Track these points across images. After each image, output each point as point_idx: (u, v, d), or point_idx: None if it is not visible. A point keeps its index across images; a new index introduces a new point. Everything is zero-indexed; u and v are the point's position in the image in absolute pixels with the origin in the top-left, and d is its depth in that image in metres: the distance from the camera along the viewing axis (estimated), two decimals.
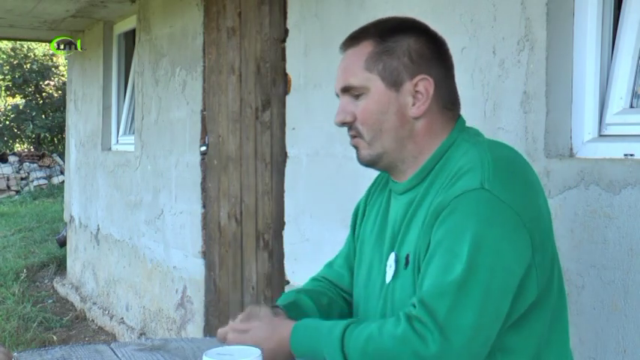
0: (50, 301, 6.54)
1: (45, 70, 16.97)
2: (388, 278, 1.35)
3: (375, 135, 1.35)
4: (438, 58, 1.37)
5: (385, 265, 1.37)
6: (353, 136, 1.39)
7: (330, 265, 1.62)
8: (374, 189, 1.54)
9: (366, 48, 1.37)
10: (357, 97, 1.37)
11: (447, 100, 1.37)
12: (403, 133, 1.35)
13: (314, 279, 1.62)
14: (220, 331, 1.42)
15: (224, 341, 1.39)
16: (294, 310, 1.46)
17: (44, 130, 16.64)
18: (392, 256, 1.35)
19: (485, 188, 1.21)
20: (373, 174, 2.68)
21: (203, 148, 4.21)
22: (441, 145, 1.35)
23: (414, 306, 1.20)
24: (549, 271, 1.29)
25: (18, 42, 15.83)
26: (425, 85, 1.33)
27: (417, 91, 1.34)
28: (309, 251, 3.09)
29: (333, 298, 1.56)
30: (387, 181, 1.47)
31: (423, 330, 1.17)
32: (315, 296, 1.53)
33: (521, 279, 1.21)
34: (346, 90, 1.39)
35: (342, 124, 1.39)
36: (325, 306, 1.52)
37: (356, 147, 1.40)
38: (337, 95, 1.42)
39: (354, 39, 1.40)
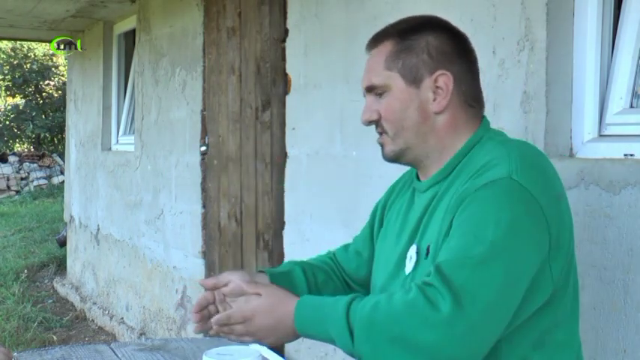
0: (50, 301, 6.53)
1: (45, 70, 16.97)
2: (408, 270, 1.35)
3: (397, 131, 1.38)
4: (458, 54, 1.39)
5: (404, 259, 1.38)
6: (380, 133, 1.42)
7: (345, 247, 1.66)
8: (398, 187, 1.56)
9: (386, 47, 1.39)
10: (380, 95, 1.39)
11: (470, 96, 1.39)
12: (425, 129, 1.37)
13: (326, 254, 1.67)
14: (215, 319, 1.35)
15: (217, 331, 1.35)
16: (283, 281, 1.48)
17: (44, 130, 16.64)
18: (413, 248, 1.36)
19: (513, 178, 1.22)
20: (373, 173, 2.68)
21: (203, 148, 4.21)
22: (466, 142, 1.37)
23: (429, 275, 1.18)
24: (565, 272, 1.28)
25: (18, 42, 15.83)
26: (444, 80, 1.35)
27: (437, 87, 1.36)
28: (309, 251, 3.09)
29: (332, 277, 1.60)
30: (412, 180, 1.49)
31: (435, 295, 1.13)
32: (310, 271, 1.57)
33: (541, 268, 1.21)
34: (370, 89, 1.41)
35: (369, 122, 1.42)
36: (320, 283, 1.56)
37: (381, 144, 1.42)
38: (364, 95, 1.45)
39: (375, 40, 1.43)
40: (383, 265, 1.47)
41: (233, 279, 1.40)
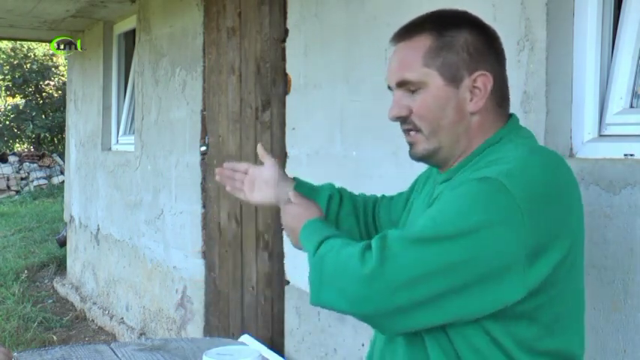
0: (50, 301, 6.53)
1: (45, 70, 16.98)
2: None
3: (432, 129, 1.33)
4: (492, 52, 1.35)
5: None
6: (408, 130, 1.37)
7: (390, 198, 1.72)
8: (432, 174, 1.52)
9: (423, 42, 1.32)
10: (412, 91, 1.34)
11: (500, 96, 1.36)
12: (460, 129, 1.33)
13: (378, 196, 1.76)
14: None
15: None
16: (305, 192, 1.63)
17: (44, 130, 16.64)
18: None
19: (499, 179, 1.18)
20: (373, 173, 2.68)
21: (203, 148, 4.21)
22: (485, 141, 1.34)
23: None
24: (560, 280, 1.23)
25: (18, 42, 15.84)
26: (483, 80, 1.31)
27: (474, 87, 1.31)
28: None
29: (357, 215, 1.69)
30: (435, 174, 1.47)
31: (368, 255, 1.19)
32: (336, 200, 1.68)
33: (499, 273, 1.16)
34: (402, 84, 1.34)
35: (397, 118, 1.37)
36: (342, 214, 1.67)
37: (411, 143, 1.38)
38: (390, 88, 1.39)
39: (408, 32, 1.35)
40: None
41: (279, 177, 1.67)
